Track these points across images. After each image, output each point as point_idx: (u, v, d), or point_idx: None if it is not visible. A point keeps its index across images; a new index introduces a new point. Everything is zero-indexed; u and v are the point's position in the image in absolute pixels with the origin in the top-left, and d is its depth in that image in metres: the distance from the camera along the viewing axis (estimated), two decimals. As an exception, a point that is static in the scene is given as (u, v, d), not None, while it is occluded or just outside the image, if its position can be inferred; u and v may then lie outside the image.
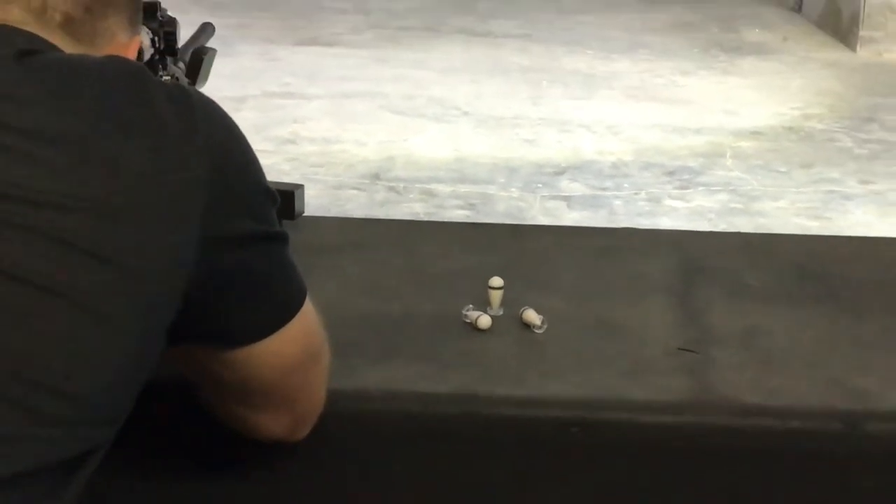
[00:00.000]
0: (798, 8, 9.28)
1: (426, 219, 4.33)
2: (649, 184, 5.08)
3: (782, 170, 5.32)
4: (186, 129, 1.04)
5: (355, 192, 4.89)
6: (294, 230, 1.38)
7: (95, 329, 0.97)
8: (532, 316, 1.41)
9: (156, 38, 1.46)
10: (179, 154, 1.03)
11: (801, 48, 8.08)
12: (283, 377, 1.14)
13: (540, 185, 5.03)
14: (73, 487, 0.98)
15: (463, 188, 4.97)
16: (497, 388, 1.29)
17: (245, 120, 1.14)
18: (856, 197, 4.99)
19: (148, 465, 1.24)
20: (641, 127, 5.96)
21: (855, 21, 7.99)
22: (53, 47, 1.12)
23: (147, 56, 1.43)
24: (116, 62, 1.09)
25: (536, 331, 1.40)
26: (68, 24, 1.14)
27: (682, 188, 5.04)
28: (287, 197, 1.69)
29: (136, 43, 1.24)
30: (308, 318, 1.14)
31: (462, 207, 4.74)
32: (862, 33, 7.91)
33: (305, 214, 1.76)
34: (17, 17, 1.12)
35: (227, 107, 1.11)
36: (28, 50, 1.07)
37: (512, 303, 1.43)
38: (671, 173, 5.22)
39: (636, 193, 4.95)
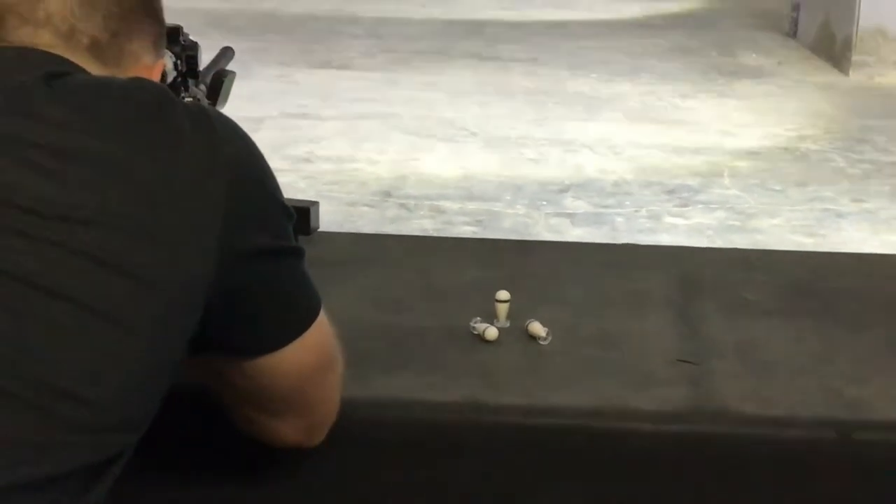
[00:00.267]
0: (793, 33, 9.28)
1: (435, 234, 4.33)
2: (650, 201, 5.07)
3: (778, 188, 5.31)
4: (207, 148, 1.05)
5: (368, 208, 4.89)
6: (309, 245, 1.38)
7: (118, 339, 0.97)
8: (537, 328, 1.41)
9: (178, 62, 1.46)
10: (200, 172, 1.03)
11: (796, 72, 8.08)
12: (298, 385, 1.14)
13: (545, 203, 5.03)
14: (98, 493, 0.97)
15: (471, 205, 4.97)
16: (503, 398, 1.29)
17: (263, 139, 1.14)
18: (849, 215, 4.99)
19: (170, 470, 1.24)
20: (642, 147, 5.95)
21: (848, 46, 7.99)
22: (81, 69, 1.12)
23: (170, 78, 1.43)
24: (140, 84, 1.10)
25: (542, 342, 1.40)
26: (95, 48, 1.15)
27: (681, 206, 5.03)
28: (303, 213, 1.69)
29: (160, 66, 1.24)
30: (322, 329, 1.14)
31: (470, 224, 4.74)
32: (854, 58, 7.91)
33: (320, 230, 1.76)
34: (46, 40, 1.13)
35: (245, 127, 1.11)
36: (57, 72, 1.08)
37: (518, 315, 1.43)
38: (671, 191, 5.22)
39: (637, 211, 4.95)
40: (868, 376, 1.35)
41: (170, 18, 1.27)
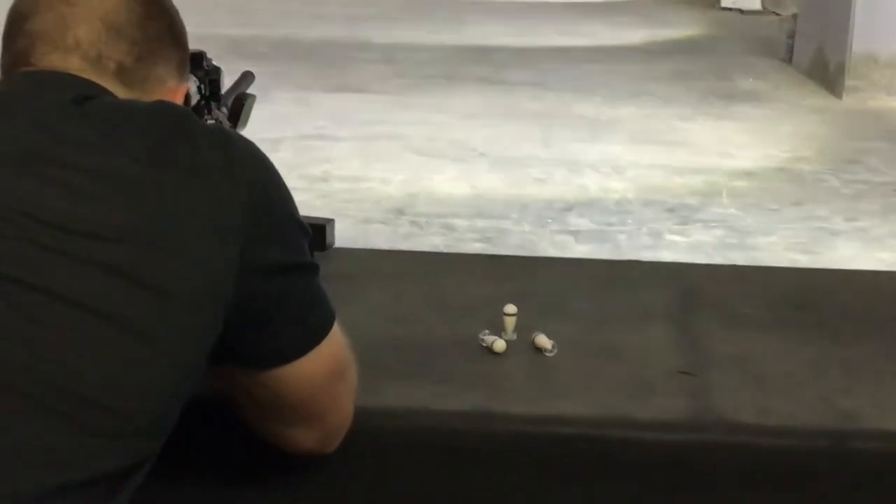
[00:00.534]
0: (788, 59, 9.29)
1: (446, 251, 4.33)
2: (651, 220, 5.07)
3: (774, 207, 5.30)
4: (228, 168, 1.05)
5: (381, 226, 4.90)
6: (325, 261, 1.38)
7: (142, 351, 0.98)
8: (543, 341, 1.41)
9: (202, 85, 1.47)
10: (221, 191, 1.04)
11: (792, 96, 8.08)
12: (313, 395, 1.14)
13: (550, 221, 5.03)
14: (122, 498, 0.97)
15: (479, 223, 4.97)
16: (511, 407, 1.29)
17: (281, 160, 1.15)
18: (842, 233, 4.98)
19: (190, 476, 1.23)
20: (644, 167, 5.95)
21: (841, 71, 7.98)
22: (108, 93, 1.13)
23: (194, 101, 1.44)
24: (165, 107, 1.10)
25: (547, 354, 1.40)
26: (121, 72, 1.16)
27: (681, 224, 5.03)
28: (319, 230, 1.70)
29: (184, 89, 1.25)
30: (337, 341, 1.14)
31: (479, 240, 4.74)
32: (847, 82, 7.91)
33: (336, 246, 1.76)
34: (75, 65, 1.14)
35: (264, 148, 1.11)
36: (85, 95, 1.08)
37: (525, 328, 1.43)
38: (671, 210, 5.22)
39: (639, 228, 4.95)
40: (860, 387, 1.34)
41: (193, 44, 1.27)
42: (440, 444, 1.26)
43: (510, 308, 1.43)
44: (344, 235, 1.82)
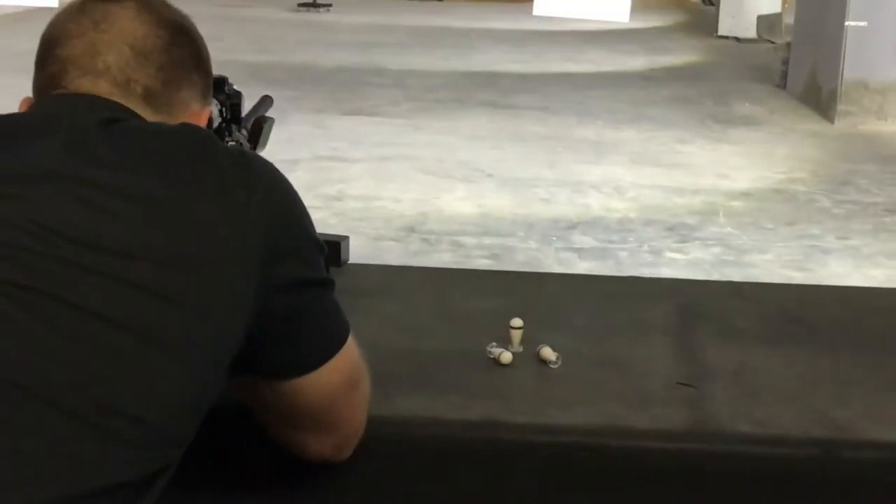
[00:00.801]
0: (783, 85, 9.29)
1: (455, 266, 4.33)
2: (651, 238, 5.07)
3: (769, 227, 5.30)
4: (248, 188, 1.05)
5: (393, 243, 4.90)
6: (340, 276, 1.38)
7: (166, 363, 0.97)
8: (548, 353, 1.41)
9: (223, 109, 1.47)
10: (242, 210, 1.04)
11: (786, 120, 8.08)
12: (328, 404, 1.14)
13: (554, 238, 5.04)
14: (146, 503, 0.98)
15: (487, 240, 4.97)
16: (517, 417, 1.28)
17: (298, 180, 1.15)
18: (834, 251, 4.98)
19: (210, 482, 1.23)
20: (644, 188, 5.96)
21: (833, 97, 7.99)
22: (135, 115, 1.13)
23: (216, 124, 1.44)
24: (188, 129, 1.10)
25: (552, 366, 1.40)
26: (148, 96, 1.16)
27: (680, 242, 5.03)
28: (334, 247, 1.70)
29: (207, 112, 1.25)
30: (351, 353, 1.14)
31: (486, 257, 4.74)
32: (839, 108, 7.92)
33: (350, 262, 1.76)
34: (104, 89, 1.14)
35: (282, 168, 1.12)
36: (113, 118, 1.09)
37: (530, 341, 1.43)
38: (671, 229, 5.22)
39: (640, 246, 4.95)
40: (852, 399, 1.34)
41: (215, 69, 1.28)
42: (449, 452, 1.26)
43: (516, 322, 1.43)
44: (358, 252, 1.82)
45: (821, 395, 1.36)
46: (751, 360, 1.44)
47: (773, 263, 4.76)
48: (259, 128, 1.55)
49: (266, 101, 1.61)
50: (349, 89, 8.90)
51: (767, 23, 12.51)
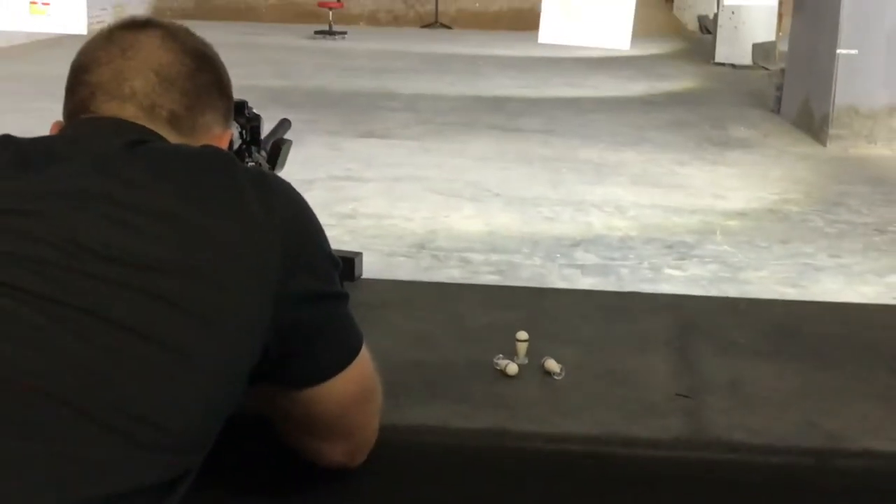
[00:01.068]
0: (777, 110, 9.29)
1: (463, 282, 4.33)
2: (651, 255, 5.06)
3: (764, 245, 5.29)
4: (266, 207, 1.06)
5: (404, 259, 4.91)
6: (354, 290, 1.38)
7: (187, 372, 0.98)
8: (552, 365, 1.41)
9: (243, 131, 1.47)
10: (260, 228, 1.04)
11: (780, 143, 8.07)
12: (342, 412, 1.14)
13: (558, 255, 5.03)
14: (167, 507, 0.98)
15: (494, 257, 4.97)
16: (522, 426, 1.28)
17: (313, 199, 1.15)
18: (826, 269, 4.96)
19: (228, 487, 1.23)
20: (645, 207, 5.96)
21: (825, 121, 7.99)
22: (160, 138, 1.14)
23: (236, 146, 1.44)
24: (210, 151, 1.11)
25: (556, 377, 1.40)
26: (173, 120, 1.17)
27: (679, 259, 5.02)
28: (348, 263, 1.70)
29: (229, 135, 1.25)
30: (364, 363, 1.14)
31: (493, 273, 4.74)
32: (831, 132, 7.91)
33: (363, 277, 1.76)
34: (130, 113, 1.15)
35: (299, 188, 1.12)
36: (138, 140, 1.09)
37: (535, 353, 1.43)
38: (670, 247, 5.21)
39: (640, 263, 4.94)
40: (843, 410, 1.34)
41: (236, 94, 1.29)
42: (457, 460, 1.26)
43: (522, 335, 1.43)
44: (370, 268, 1.82)
45: (813, 405, 1.35)
46: (746, 373, 1.44)
47: (767, 280, 4.75)
48: (277, 149, 1.55)
49: (284, 124, 1.62)
50: (363, 113, 8.92)
51: (762, 50, 12.52)
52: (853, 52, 7.76)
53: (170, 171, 1.06)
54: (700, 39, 15.13)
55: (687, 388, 1.39)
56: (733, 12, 12.56)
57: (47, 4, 3.54)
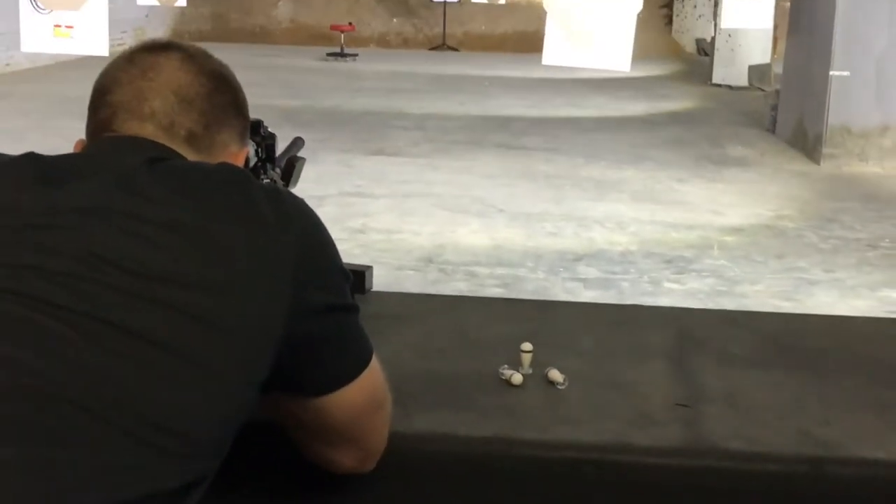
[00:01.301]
0: (772, 129, 9.29)
1: (469, 294, 4.33)
2: (651, 269, 5.06)
3: (760, 260, 5.29)
4: (280, 222, 1.06)
5: (412, 272, 4.91)
6: (364, 303, 1.38)
7: (204, 381, 0.98)
8: (556, 375, 1.41)
9: (259, 149, 1.47)
10: (274, 242, 1.04)
11: (775, 162, 8.07)
12: (353, 420, 1.14)
13: (561, 269, 5.03)
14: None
15: (499, 271, 4.97)
16: (527, 434, 1.28)
17: (326, 214, 1.16)
18: (820, 283, 4.95)
19: (243, 492, 1.23)
20: (645, 223, 5.95)
21: (819, 141, 7.98)
22: (178, 155, 1.14)
23: (252, 163, 1.45)
24: (227, 168, 1.11)
25: (559, 387, 1.40)
26: (191, 138, 1.17)
27: (678, 273, 5.02)
28: (359, 276, 1.70)
29: (245, 153, 1.26)
30: (374, 373, 1.14)
31: (498, 286, 4.74)
32: (825, 151, 7.91)
33: (373, 290, 1.76)
34: (150, 131, 1.15)
35: (312, 204, 1.12)
36: (158, 157, 1.10)
37: (539, 364, 1.43)
38: (669, 261, 5.21)
39: (640, 277, 4.94)
40: (836, 419, 1.33)
41: (251, 113, 1.29)
42: (464, 466, 1.26)
43: (526, 345, 1.43)
44: (380, 281, 1.82)
45: (808, 415, 1.35)
46: (743, 383, 1.44)
47: (763, 294, 4.74)
48: (291, 167, 1.56)
49: (298, 143, 1.62)
50: (373, 131, 8.94)
51: (758, 72, 12.53)
52: (845, 73, 7.77)
53: (188, 187, 1.06)
54: (698, 61, 15.15)
55: (686, 397, 1.39)
56: (730, 35, 12.58)
57: (71, 27, 3.56)
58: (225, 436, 1.02)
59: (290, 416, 1.14)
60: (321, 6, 18.64)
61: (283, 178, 1.54)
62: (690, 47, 16.63)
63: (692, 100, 11.86)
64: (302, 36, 18.40)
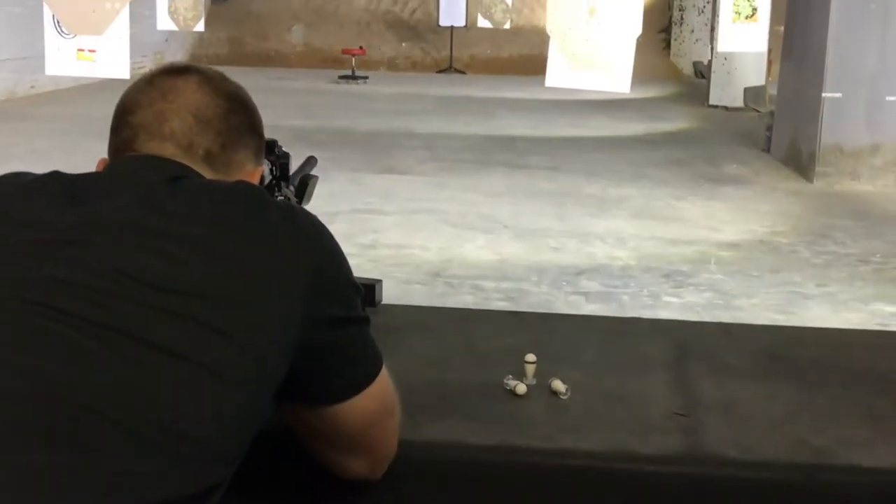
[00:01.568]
0: (767, 149, 9.29)
1: (475, 307, 4.33)
2: (650, 283, 5.05)
3: (755, 274, 5.28)
4: (294, 237, 1.06)
5: (421, 286, 4.90)
6: (374, 315, 1.38)
7: (221, 389, 0.98)
8: (559, 385, 1.41)
9: (273, 168, 1.48)
10: (288, 257, 1.05)
11: (770, 180, 8.06)
12: (364, 428, 1.14)
13: (564, 283, 5.02)
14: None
15: (504, 284, 4.97)
16: (531, 442, 1.28)
17: (337, 230, 1.16)
18: (813, 297, 4.94)
19: (258, 498, 1.23)
20: (644, 239, 5.95)
21: (812, 159, 7.98)
22: (196, 174, 1.14)
23: (266, 181, 1.45)
24: (243, 186, 1.11)
25: (562, 397, 1.39)
26: (209, 157, 1.17)
27: (676, 287, 5.01)
28: (369, 289, 1.70)
29: (260, 171, 1.26)
30: (384, 383, 1.14)
31: (503, 299, 4.74)
32: (818, 169, 7.91)
33: (383, 303, 1.76)
34: (170, 151, 1.16)
35: (324, 220, 1.12)
36: (177, 176, 1.10)
37: (543, 374, 1.42)
38: (667, 276, 5.20)
39: (640, 291, 4.93)
40: (829, 428, 1.33)
41: (266, 133, 1.29)
42: (470, 473, 1.26)
43: (530, 357, 1.43)
44: (390, 294, 1.83)
45: (802, 424, 1.35)
46: (739, 393, 1.43)
47: (758, 307, 4.73)
48: (304, 184, 1.56)
49: (311, 161, 1.63)
50: (383, 151, 8.95)
51: (753, 94, 12.53)
52: (837, 95, 7.77)
53: (207, 204, 1.06)
54: (695, 84, 15.16)
55: (684, 407, 1.38)
56: (726, 58, 12.59)
57: (94, 52, 3.57)
58: (241, 443, 1.02)
59: (304, 425, 1.14)
60: (333, 31, 18.71)
61: (296, 196, 1.54)
62: (688, 70, 16.64)
63: (690, 120, 11.86)
64: (315, 59, 18.46)
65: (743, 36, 5.55)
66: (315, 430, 1.14)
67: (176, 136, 1.16)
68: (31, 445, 0.89)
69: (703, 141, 10.16)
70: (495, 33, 15.14)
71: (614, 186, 7.56)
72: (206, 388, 0.97)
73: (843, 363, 1.57)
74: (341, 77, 15.92)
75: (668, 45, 18.07)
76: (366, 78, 15.83)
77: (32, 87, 12.49)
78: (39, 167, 1.19)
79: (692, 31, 16.81)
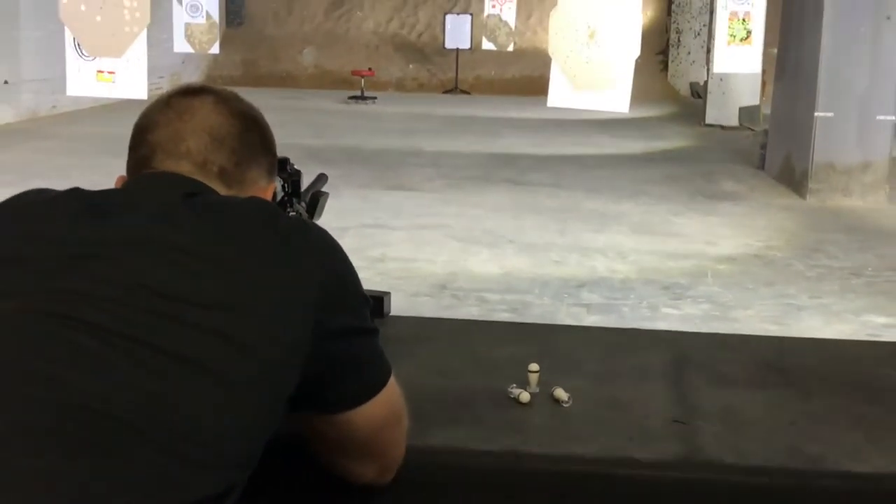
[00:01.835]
0: (761, 166, 9.28)
1: (480, 318, 4.33)
2: (649, 296, 5.04)
3: (750, 287, 5.27)
4: (305, 251, 1.06)
5: (427, 298, 4.90)
6: (383, 326, 1.38)
7: (234, 397, 0.98)
8: (561, 393, 1.40)
9: (286, 185, 1.48)
10: (300, 270, 1.05)
11: (764, 196, 8.06)
12: (373, 435, 1.14)
13: (566, 295, 5.02)
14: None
15: (508, 296, 4.96)
16: (534, 449, 1.28)
17: (347, 244, 1.16)
18: (807, 308, 4.93)
19: (270, 502, 1.23)
20: (643, 253, 5.94)
21: (805, 176, 7.97)
22: (211, 190, 1.15)
23: (279, 197, 1.45)
24: (256, 202, 1.12)
25: (564, 405, 1.39)
26: (223, 174, 1.18)
27: (674, 299, 5.00)
28: (378, 301, 1.70)
29: (272, 188, 1.26)
30: (393, 391, 1.14)
31: (507, 311, 4.73)
32: (810, 186, 7.90)
33: (391, 314, 1.76)
34: (185, 168, 1.16)
35: (334, 235, 1.13)
36: (192, 192, 1.11)
37: (546, 383, 1.42)
38: (666, 288, 5.19)
39: (639, 303, 4.92)
40: (823, 436, 1.32)
41: (279, 151, 1.30)
42: (475, 478, 1.25)
43: (533, 366, 1.43)
44: (397, 306, 1.83)
45: (797, 431, 1.34)
46: (736, 402, 1.43)
47: (754, 318, 4.72)
48: (315, 200, 1.56)
49: (322, 178, 1.63)
50: (391, 168, 8.97)
51: (748, 113, 12.54)
52: (829, 114, 7.77)
53: (220, 219, 1.07)
54: (692, 103, 15.17)
55: (682, 415, 1.38)
56: (721, 79, 12.60)
57: (112, 73, 3.59)
58: (254, 449, 1.02)
59: (316, 431, 1.14)
60: (343, 53, 18.77)
61: (308, 211, 1.54)
62: (685, 90, 16.65)
63: (687, 139, 11.87)
64: (325, 80, 18.52)
65: (738, 58, 5.56)
66: (326, 437, 1.14)
67: (192, 154, 1.16)
68: (49, 450, 0.89)
69: (700, 159, 10.16)
70: (499, 55, 15.19)
71: (614, 202, 7.56)
72: (220, 396, 0.97)
73: (837, 372, 1.57)
74: (351, 97, 15.96)
75: (665, 67, 18.10)
76: (374, 98, 15.87)
77: (54, 107, 12.54)
78: (61, 184, 1.19)
79: (689, 52, 16.83)
